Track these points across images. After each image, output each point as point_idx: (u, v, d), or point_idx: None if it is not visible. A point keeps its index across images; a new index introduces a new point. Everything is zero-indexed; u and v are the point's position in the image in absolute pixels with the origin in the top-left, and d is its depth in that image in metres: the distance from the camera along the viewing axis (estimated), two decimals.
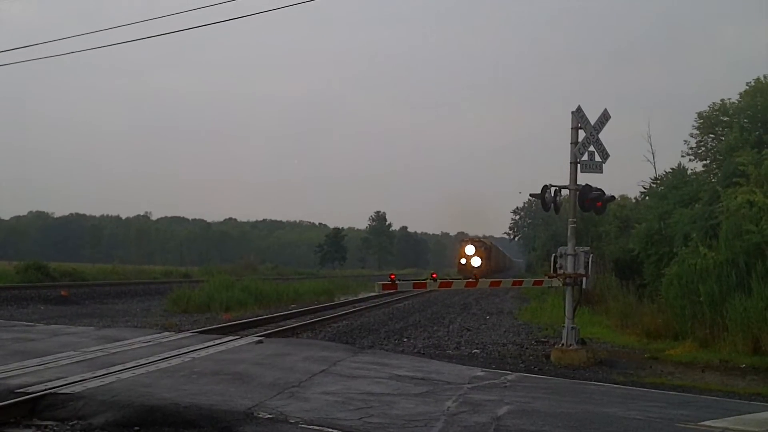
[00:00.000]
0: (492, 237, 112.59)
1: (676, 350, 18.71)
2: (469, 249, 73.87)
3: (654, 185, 38.12)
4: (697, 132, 32.20)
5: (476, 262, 71.46)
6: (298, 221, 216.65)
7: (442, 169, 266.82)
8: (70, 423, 8.73)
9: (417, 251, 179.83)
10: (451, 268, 76.01)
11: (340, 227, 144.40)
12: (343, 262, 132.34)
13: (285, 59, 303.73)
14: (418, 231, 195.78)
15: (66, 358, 12.81)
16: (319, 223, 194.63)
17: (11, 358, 12.63)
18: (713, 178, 28.92)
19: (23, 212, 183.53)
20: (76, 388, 9.91)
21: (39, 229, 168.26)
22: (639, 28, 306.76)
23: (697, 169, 32.41)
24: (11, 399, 9.28)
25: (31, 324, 19.91)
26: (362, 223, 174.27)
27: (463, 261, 73.28)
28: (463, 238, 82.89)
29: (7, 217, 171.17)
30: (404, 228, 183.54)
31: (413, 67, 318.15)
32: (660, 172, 38.44)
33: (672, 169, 34.38)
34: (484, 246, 76.51)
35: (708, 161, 31.94)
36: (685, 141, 33.13)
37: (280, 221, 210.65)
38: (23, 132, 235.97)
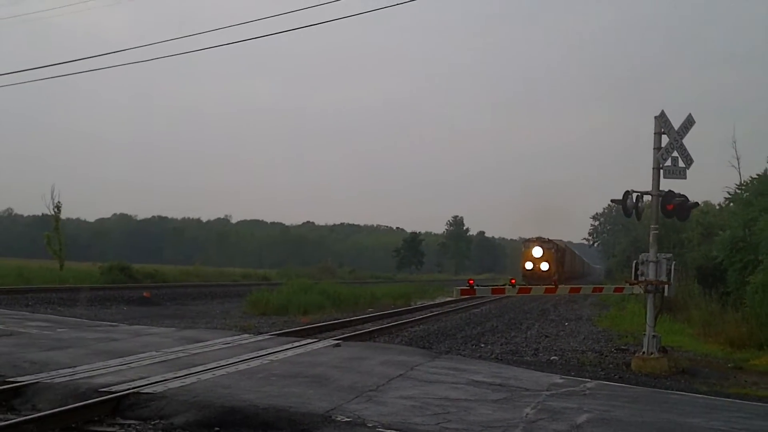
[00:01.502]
0: (570, 242, 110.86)
1: (762, 360, 18.27)
2: (537, 251, 67.36)
3: (739, 191, 37.22)
4: None
5: (544, 266, 65.63)
6: (375, 225, 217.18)
7: (520, 174, 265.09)
8: (152, 422, 8.87)
9: (494, 256, 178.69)
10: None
11: (418, 231, 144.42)
12: (420, 267, 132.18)
13: (359, 64, 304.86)
14: (496, 236, 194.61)
15: (148, 358, 13.03)
16: (397, 228, 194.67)
17: (95, 357, 12.89)
18: None
19: (107, 215, 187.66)
20: (158, 388, 10.06)
21: (122, 231, 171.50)
22: (721, 33, 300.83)
23: None
24: (95, 398, 9.46)
25: (115, 324, 20.31)
26: (439, 228, 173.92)
27: (528, 265, 67.05)
28: (529, 238, 72.64)
29: (92, 220, 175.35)
30: (481, 233, 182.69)
31: (491, 69, 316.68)
32: (745, 177, 37.55)
33: (758, 175, 33.54)
34: (555, 248, 69.55)
35: None
36: None
37: (358, 225, 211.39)
38: (106, 137, 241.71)
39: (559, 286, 19.73)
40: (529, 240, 71.48)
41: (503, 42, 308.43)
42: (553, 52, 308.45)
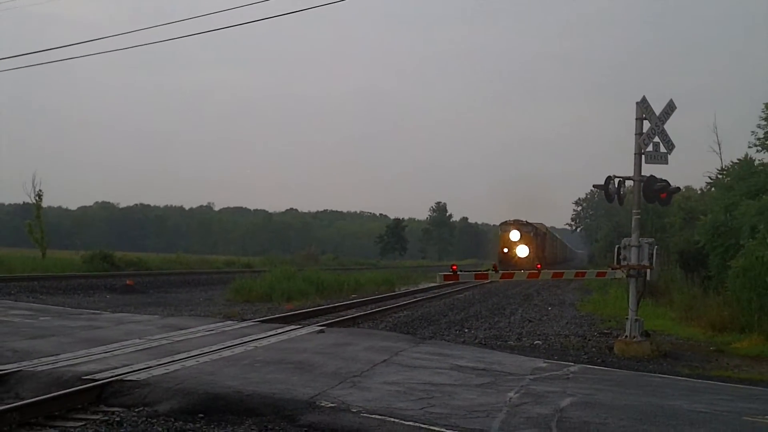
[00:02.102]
0: (553, 227, 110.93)
1: (743, 343, 18.39)
2: (514, 235, 63.10)
3: (720, 176, 37.42)
4: (765, 123, 31.46)
5: (522, 251, 61.95)
6: (359, 212, 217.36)
7: (505, 162, 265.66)
8: (136, 409, 8.86)
9: (477, 242, 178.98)
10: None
11: (401, 218, 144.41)
12: (404, 253, 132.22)
13: (342, 52, 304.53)
14: (479, 222, 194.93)
15: (131, 346, 13.01)
16: (380, 214, 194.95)
17: (79, 345, 12.85)
18: None
19: (89, 203, 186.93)
20: (142, 376, 10.05)
21: (105, 220, 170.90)
22: (704, 20, 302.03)
23: (765, 161, 31.70)
24: (79, 386, 9.45)
25: (98, 312, 20.25)
26: (423, 214, 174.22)
27: (505, 251, 62.91)
28: (506, 221, 66.53)
29: (74, 208, 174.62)
30: (465, 219, 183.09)
31: (475, 59, 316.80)
32: (726, 163, 37.72)
33: (738, 160, 33.69)
34: (535, 231, 65.28)
35: None
36: (753, 132, 32.46)
37: (341, 212, 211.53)
38: (87, 124, 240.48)
39: (542, 270, 19.76)
40: (505, 223, 66.30)
41: (491, 32, 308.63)
42: (539, 42, 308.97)
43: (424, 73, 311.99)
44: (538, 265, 24.05)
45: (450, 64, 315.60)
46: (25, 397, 9.08)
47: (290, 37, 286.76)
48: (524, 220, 66.00)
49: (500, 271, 19.02)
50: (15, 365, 10.53)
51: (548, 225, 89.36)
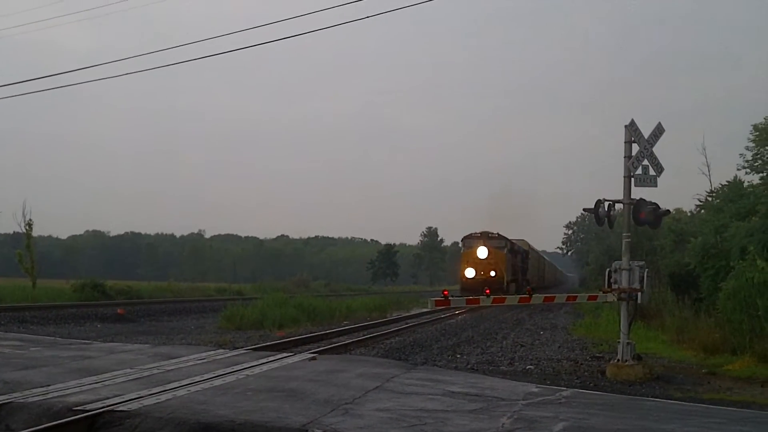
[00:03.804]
0: (544, 252, 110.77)
1: (735, 365, 18.40)
2: (482, 252, 49.30)
3: (709, 198, 37.57)
4: (753, 144, 31.64)
5: (492, 273, 48.60)
6: (350, 238, 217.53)
7: (496, 184, 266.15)
8: None
9: None
10: None
11: (392, 243, 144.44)
12: (395, 279, 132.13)
13: (332, 76, 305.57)
14: None
15: (122, 376, 12.94)
16: (371, 240, 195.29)
17: (69, 375, 12.79)
18: None
19: (80, 231, 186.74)
20: (133, 406, 9.99)
21: (95, 248, 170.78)
22: (694, 39, 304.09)
23: (754, 182, 31.88)
24: (69, 416, 9.38)
25: (88, 342, 20.15)
26: (414, 239, 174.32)
27: (469, 273, 49.53)
28: (470, 234, 51.47)
29: (64, 237, 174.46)
30: (456, 243, 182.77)
31: (464, 80, 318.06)
32: (715, 185, 37.90)
33: (728, 181, 33.87)
34: (510, 247, 51.66)
35: (765, 174, 31.32)
36: (741, 154, 32.64)
37: (332, 238, 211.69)
38: (76, 152, 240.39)
39: (534, 295, 19.77)
40: (470, 237, 51.41)
41: (481, 53, 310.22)
42: (530, 62, 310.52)
43: (414, 96, 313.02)
44: (528, 289, 24.02)
45: (442, 86, 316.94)
46: (16, 429, 9.04)
47: (280, 62, 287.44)
48: (496, 232, 51.85)
49: (492, 296, 19.05)
50: (5, 396, 10.46)
51: (539, 249, 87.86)
